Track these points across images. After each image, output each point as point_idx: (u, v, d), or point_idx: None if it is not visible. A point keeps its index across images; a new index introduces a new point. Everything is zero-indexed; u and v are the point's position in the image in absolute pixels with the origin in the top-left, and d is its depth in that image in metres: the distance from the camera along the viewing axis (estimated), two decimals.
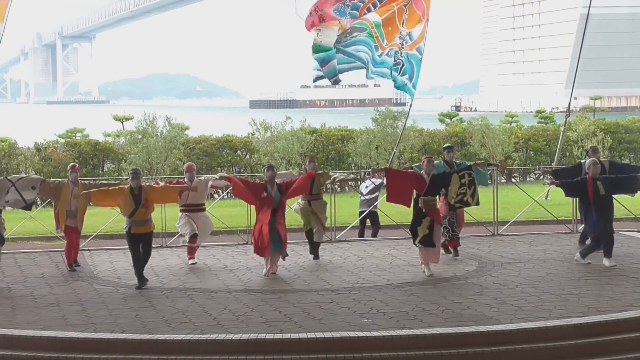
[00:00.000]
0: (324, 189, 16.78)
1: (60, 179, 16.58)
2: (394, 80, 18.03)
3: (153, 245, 14.79)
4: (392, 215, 19.19)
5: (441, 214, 15.39)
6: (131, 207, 14.06)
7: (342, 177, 17.09)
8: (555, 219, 19.98)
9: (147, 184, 15.29)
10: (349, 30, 16.84)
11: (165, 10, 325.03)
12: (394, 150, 22.14)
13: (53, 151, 30.05)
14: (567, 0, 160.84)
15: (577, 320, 11.35)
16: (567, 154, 32.98)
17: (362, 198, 19.49)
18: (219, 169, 31.21)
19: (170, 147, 29.78)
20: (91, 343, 10.93)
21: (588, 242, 15.85)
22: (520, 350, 10.70)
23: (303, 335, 10.84)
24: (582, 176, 15.49)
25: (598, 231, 15.09)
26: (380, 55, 17.48)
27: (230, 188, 16.87)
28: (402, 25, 17.79)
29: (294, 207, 16.66)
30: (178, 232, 16.77)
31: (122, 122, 46.26)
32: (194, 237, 15.89)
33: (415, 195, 14.93)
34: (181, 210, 16.01)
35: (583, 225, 16.76)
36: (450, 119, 44.77)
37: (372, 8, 17.55)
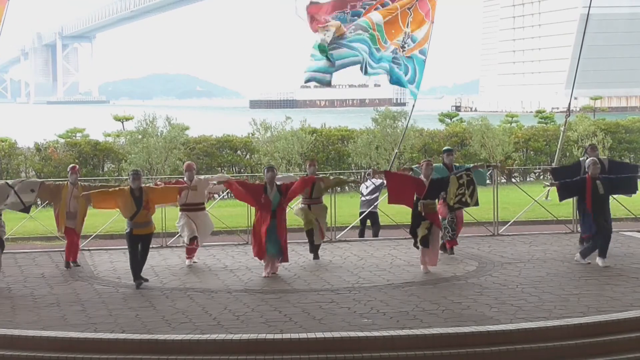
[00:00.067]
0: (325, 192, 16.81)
1: (60, 180, 16.58)
2: (390, 74, 17.93)
3: (153, 245, 14.80)
4: (392, 215, 19.20)
5: (441, 216, 15.47)
6: (132, 209, 14.07)
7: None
8: (555, 219, 19.98)
9: (147, 184, 15.30)
10: (353, 27, 16.85)
11: (165, 10, 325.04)
12: (395, 150, 22.12)
13: (53, 151, 30.03)
14: (567, 0, 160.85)
15: (577, 320, 11.36)
16: (567, 154, 32.94)
17: (363, 199, 19.49)
18: (219, 169, 31.22)
19: (170, 147, 29.75)
20: (91, 343, 10.93)
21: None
22: (521, 350, 10.71)
23: (303, 335, 10.84)
24: (581, 175, 15.52)
25: (593, 230, 15.12)
26: (379, 51, 17.48)
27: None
28: (407, 27, 17.80)
29: (294, 210, 16.65)
30: (178, 232, 16.76)
31: (122, 122, 46.21)
32: (193, 240, 15.88)
33: (415, 199, 14.99)
34: (181, 210, 16.00)
35: None
36: (451, 119, 44.73)
37: (380, 7, 17.57)
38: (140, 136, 30.22)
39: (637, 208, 20.36)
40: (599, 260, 15.02)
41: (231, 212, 21.90)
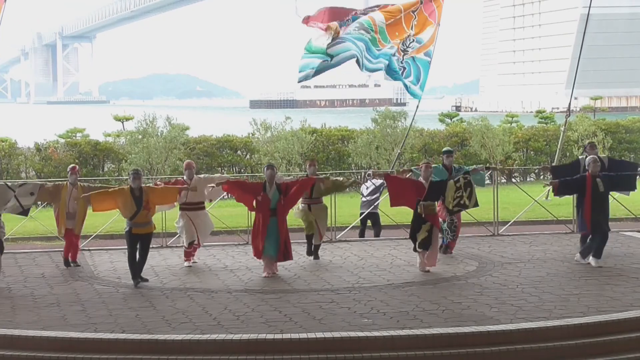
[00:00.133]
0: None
1: (60, 180, 16.57)
2: (389, 63, 17.89)
3: (153, 245, 14.79)
4: (392, 215, 19.19)
5: (440, 219, 15.53)
6: (132, 209, 14.06)
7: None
8: (555, 219, 19.98)
9: (147, 185, 15.29)
10: (357, 26, 16.88)
11: (165, 10, 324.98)
12: (397, 151, 22.11)
13: (53, 151, 30.04)
14: (567, 0, 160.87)
15: (578, 320, 11.36)
16: (568, 154, 32.95)
17: (363, 199, 19.48)
18: (219, 169, 31.23)
19: (170, 147, 29.75)
20: (91, 343, 10.93)
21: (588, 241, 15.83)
22: (521, 350, 10.71)
23: (303, 335, 10.84)
24: (581, 173, 15.52)
25: (591, 228, 15.10)
26: (379, 50, 17.50)
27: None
28: (411, 29, 17.81)
29: (294, 211, 16.63)
30: (178, 233, 16.75)
31: (123, 122, 46.19)
32: (191, 244, 15.85)
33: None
34: (180, 209, 15.98)
35: None
36: (451, 119, 44.75)
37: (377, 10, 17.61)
38: (140, 136, 30.22)
39: (637, 208, 20.36)
40: (592, 260, 15.00)
41: (231, 212, 21.91)
